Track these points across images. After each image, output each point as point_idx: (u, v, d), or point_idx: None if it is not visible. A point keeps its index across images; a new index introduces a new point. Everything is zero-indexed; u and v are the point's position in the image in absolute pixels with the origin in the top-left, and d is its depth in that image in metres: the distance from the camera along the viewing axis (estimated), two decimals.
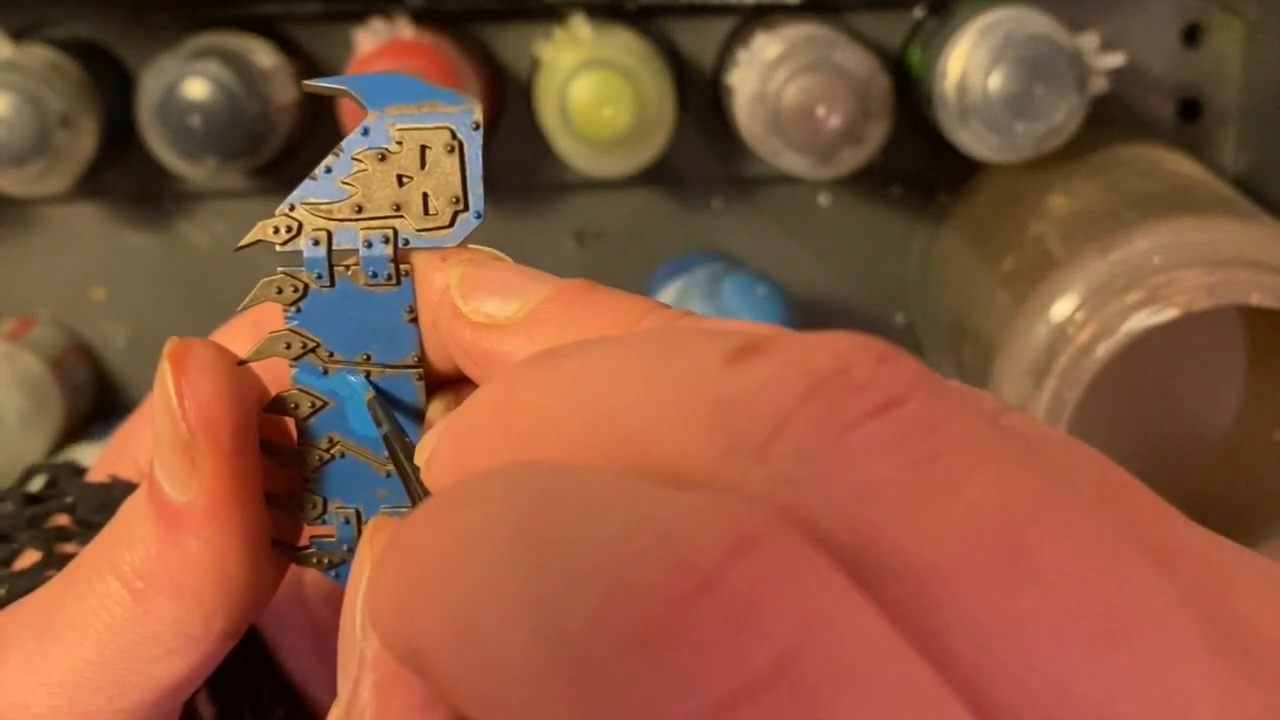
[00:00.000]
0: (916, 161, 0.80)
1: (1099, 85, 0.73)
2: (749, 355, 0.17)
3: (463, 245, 0.26)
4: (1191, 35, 0.80)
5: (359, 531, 0.26)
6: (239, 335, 0.30)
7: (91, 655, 0.26)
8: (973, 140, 0.71)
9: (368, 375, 0.26)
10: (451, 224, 0.26)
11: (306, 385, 0.26)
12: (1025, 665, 0.15)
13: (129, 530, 0.25)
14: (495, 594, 0.15)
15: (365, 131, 0.25)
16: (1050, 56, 0.69)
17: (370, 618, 0.18)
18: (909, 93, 0.75)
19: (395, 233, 0.25)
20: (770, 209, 0.83)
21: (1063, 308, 0.66)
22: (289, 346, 0.26)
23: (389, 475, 0.26)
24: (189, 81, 0.70)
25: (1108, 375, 0.63)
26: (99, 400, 0.84)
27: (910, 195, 0.83)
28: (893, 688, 0.14)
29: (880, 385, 0.16)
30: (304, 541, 0.27)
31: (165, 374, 0.24)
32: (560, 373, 0.19)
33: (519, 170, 0.80)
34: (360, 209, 0.25)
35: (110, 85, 0.74)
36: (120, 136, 0.74)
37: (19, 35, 0.74)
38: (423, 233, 0.25)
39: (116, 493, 0.31)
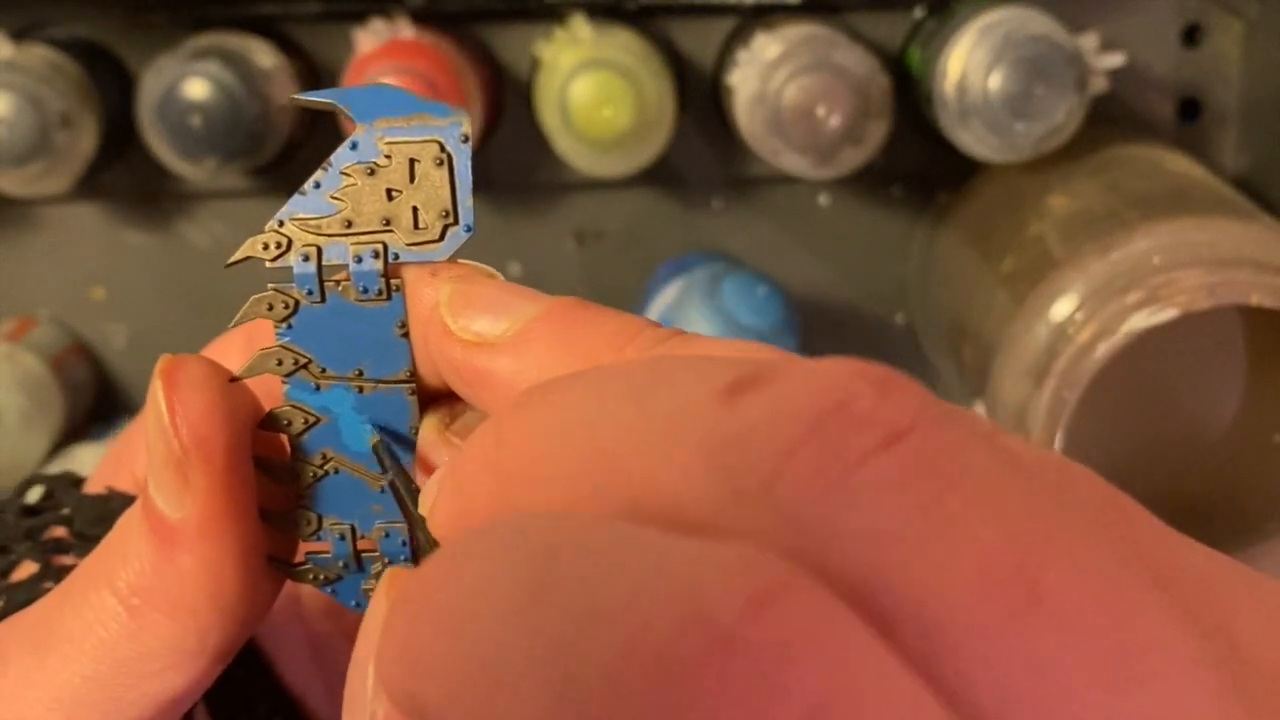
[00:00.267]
0: (916, 161, 0.80)
1: (1099, 85, 0.73)
2: (744, 390, 0.17)
3: (453, 260, 0.26)
4: (1191, 35, 0.80)
5: (354, 547, 0.26)
6: (232, 350, 0.30)
7: (88, 671, 0.26)
8: (973, 140, 0.71)
9: (360, 390, 0.26)
10: (441, 238, 0.25)
11: (299, 401, 0.26)
12: (1045, 710, 0.15)
13: (124, 546, 0.25)
14: (506, 652, 0.15)
15: (354, 145, 0.25)
16: (1050, 56, 0.69)
17: (378, 679, 0.18)
18: (909, 93, 0.75)
19: (385, 247, 0.25)
20: (770, 209, 0.83)
21: (1063, 308, 0.65)
22: (280, 363, 0.26)
23: (383, 491, 0.26)
24: (189, 81, 0.70)
25: (1108, 375, 0.63)
26: (99, 400, 0.84)
27: (910, 195, 0.83)
28: None
29: (882, 418, 0.16)
30: (300, 557, 0.27)
31: (157, 391, 0.24)
32: (550, 412, 0.19)
33: (519, 170, 0.80)
34: (350, 224, 0.25)
35: (110, 85, 0.74)
36: (120, 136, 0.74)
37: (19, 35, 0.74)
38: (413, 247, 0.25)
39: (114, 505, 0.31)
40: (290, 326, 0.26)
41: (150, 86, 0.71)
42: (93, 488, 0.32)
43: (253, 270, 0.26)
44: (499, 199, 0.81)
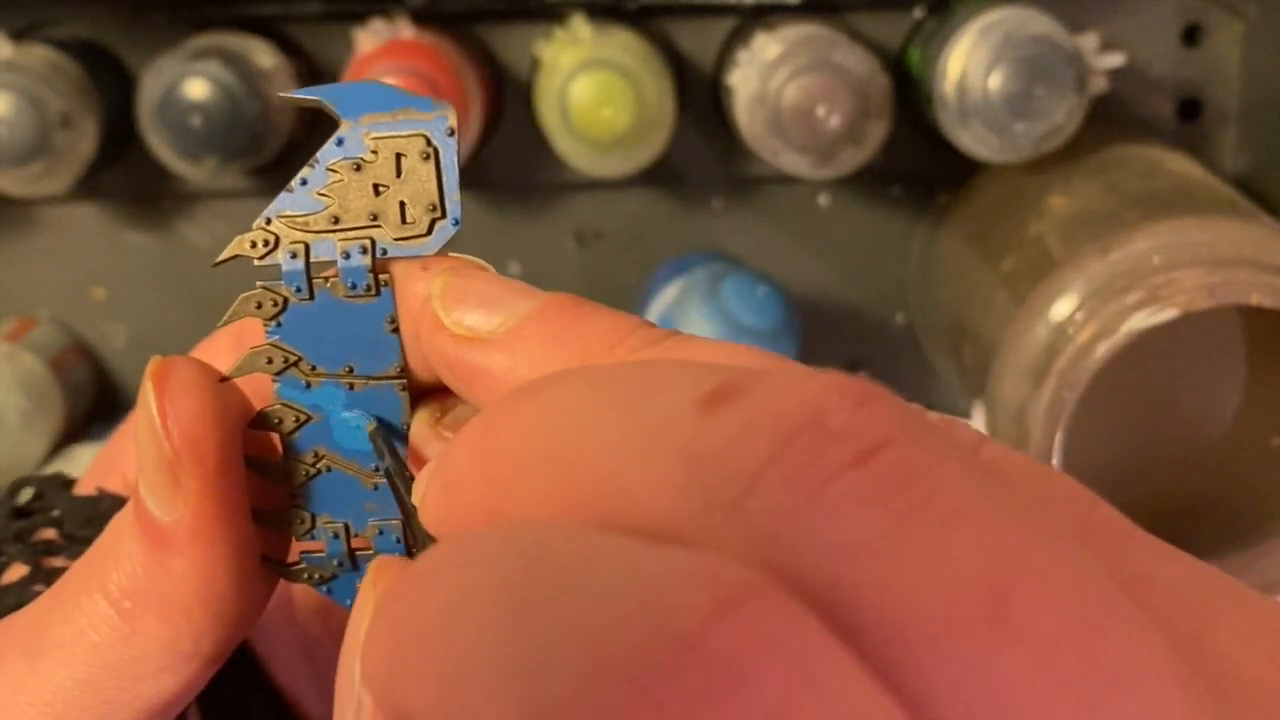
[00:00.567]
0: (916, 161, 0.80)
1: (1099, 85, 0.73)
2: (722, 401, 0.17)
3: (445, 254, 0.26)
4: (1191, 35, 0.80)
5: (348, 545, 0.26)
6: (221, 350, 0.30)
7: (80, 674, 0.26)
8: (973, 140, 0.71)
9: (351, 387, 0.26)
10: (429, 232, 0.25)
11: (290, 400, 0.26)
12: None
13: (116, 549, 0.25)
14: (481, 661, 0.15)
15: (340, 142, 0.25)
16: (1050, 56, 0.69)
17: (364, 676, 0.18)
18: (909, 93, 0.75)
19: (373, 243, 0.25)
20: (770, 209, 0.83)
21: (1063, 308, 0.65)
22: (270, 361, 0.26)
23: (376, 488, 0.26)
24: (189, 81, 0.70)
25: (1108, 375, 0.63)
26: (99, 400, 0.84)
27: (910, 195, 0.83)
28: None
29: (856, 433, 0.16)
30: (294, 557, 0.27)
31: (148, 393, 0.24)
32: (536, 414, 0.19)
33: (519, 170, 0.80)
34: (337, 220, 0.25)
35: (110, 85, 0.74)
36: (120, 136, 0.74)
37: (19, 35, 0.74)
38: (401, 241, 0.25)
39: (104, 506, 0.31)
40: (279, 324, 0.26)
41: (150, 86, 0.71)
42: (83, 489, 0.32)
43: (251, 269, 0.26)
44: (499, 199, 0.81)
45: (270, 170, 0.74)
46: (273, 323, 0.26)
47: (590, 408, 0.18)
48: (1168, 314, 0.61)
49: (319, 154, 0.25)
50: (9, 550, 0.30)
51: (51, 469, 0.76)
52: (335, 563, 0.27)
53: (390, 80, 0.68)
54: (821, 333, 0.82)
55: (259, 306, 0.25)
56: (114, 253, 0.82)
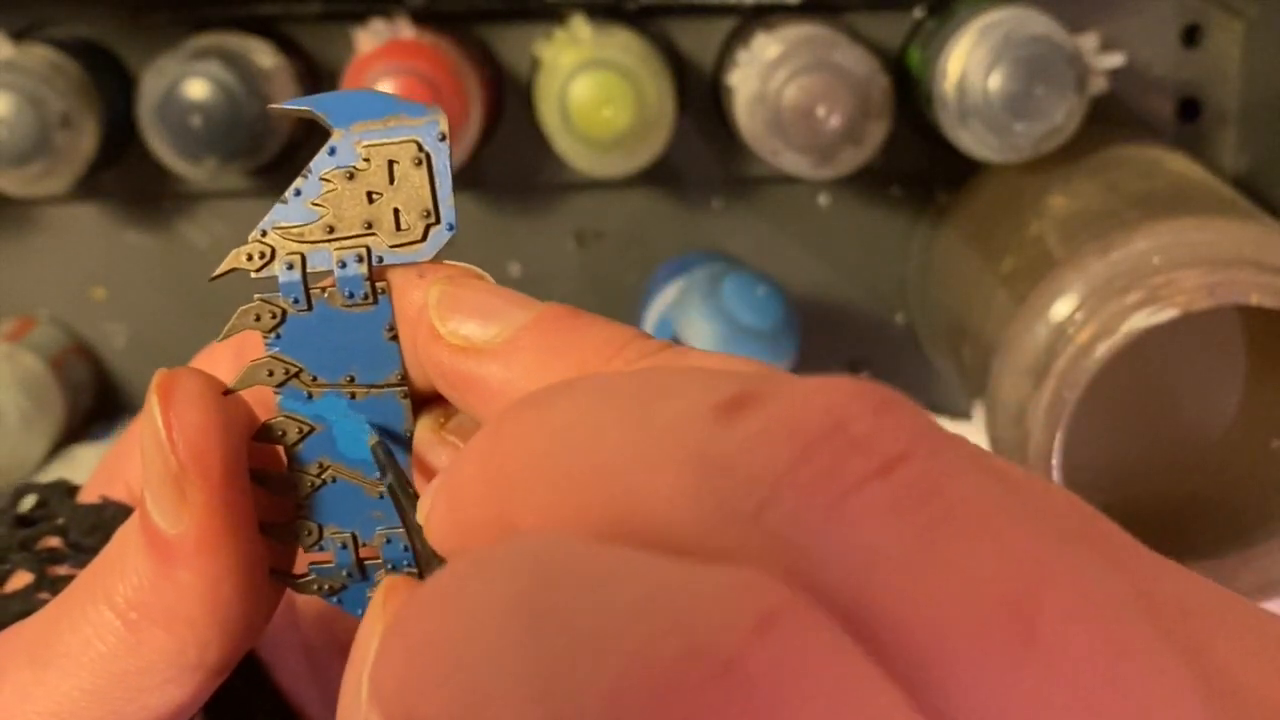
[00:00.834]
0: (916, 161, 0.80)
1: (1099, 85, 0.73)
2: (738, 408, 0.16)
3: (440, 261, 0.26)
4: (1191, 35, 0.80)
5: (357, 555, 0.26)
6: (222, 361, 0.30)
7: (86, 684, 0.26)
8: (972, 140, 0.71)
9: (352, 396, 0.26)
10: (424, 238, 0.25)
11: (292, 411, 0.26)
12: None
13: (122, 560, 0.25)
14: (502, 680, 0.15)
15: (332, 151, 0.25)
16: (1050, 56, 0.69)
17: (372, 695, 0.18)
18: (909, 93, 0.75)
19: (369, 251, 0.25)
20: (770, 209, 0.83)
21: (1063, 308, 0.65)
22: (271, 374, 0.26)
23: (381, 497, 0.26)
24: (189, 82, 0.70)
25: (1108, 375, 0.63)
26: (99, 400, 0.84)
27: (910, 195, 0.83)
28: None
29: (878, 443, 0.16)
30: (302, 568, 0.27)
31: (153, 406, 0.24)
32: (543, 423, 0.18)
33: (519, 170, 0.80)
34: (332, 229, 0.25)
35: (110, 85, 0.74)
36: (120, 136, 0.74)
37: (19, 35, 0.74)
38: (396, 248, 0.25)
39: (108, 515, 0.31)
40: (279, 336, 0.26)
41: (150, 86, 0.71)
42: (87, 496, 0.32)
43: (250, 279, 0.26)
44: (499, 199, 0.81)
45: (270, 170, 0.74)
46: (272, 335, 0.26)
47: (599, 415, 0.18)
48: (1168, 314, 0.61)
49: (312, 164, 0.25)
50: (13, 558, 0.30)
51: (51, 469, 0.76)
52: (344, 573, 0.27)
53: (390, 80, 0.68)
54: (821, 333, 0.82)
55: (257, 319, 0.26)
56: (114, 253, 0.82)
